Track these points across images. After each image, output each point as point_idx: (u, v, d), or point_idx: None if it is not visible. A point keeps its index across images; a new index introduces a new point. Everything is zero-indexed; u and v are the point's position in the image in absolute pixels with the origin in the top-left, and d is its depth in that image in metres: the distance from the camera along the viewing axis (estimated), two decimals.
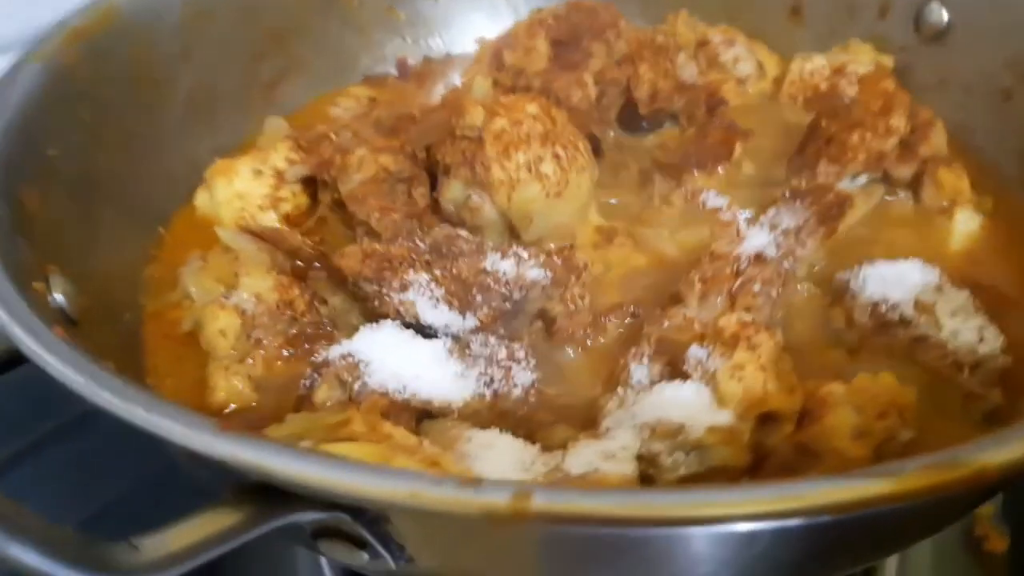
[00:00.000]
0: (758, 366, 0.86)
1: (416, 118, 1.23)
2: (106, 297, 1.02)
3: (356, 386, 0.90)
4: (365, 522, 0.66)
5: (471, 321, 0.97)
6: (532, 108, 1.12)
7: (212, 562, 0.60)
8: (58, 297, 0.91)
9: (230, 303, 1.00)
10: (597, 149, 1.25)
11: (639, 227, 1.18)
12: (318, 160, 1.17)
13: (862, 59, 1.42)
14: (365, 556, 0.70)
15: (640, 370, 0.94)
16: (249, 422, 0.90)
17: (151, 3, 1.23)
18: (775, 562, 0.75)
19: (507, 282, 0.99)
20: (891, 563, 1.13)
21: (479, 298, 0.98)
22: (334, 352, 0.93)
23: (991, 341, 0.98)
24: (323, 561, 1.10)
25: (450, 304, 0.97)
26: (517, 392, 0.93)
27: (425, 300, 0.97)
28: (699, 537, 0.68)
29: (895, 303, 1.01)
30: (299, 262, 1.06)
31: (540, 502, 0.56)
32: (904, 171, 1.19)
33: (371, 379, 0.90)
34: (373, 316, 0.99)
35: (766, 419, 0.87)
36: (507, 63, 1.29)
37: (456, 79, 1.50)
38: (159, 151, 1.23)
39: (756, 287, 1.00)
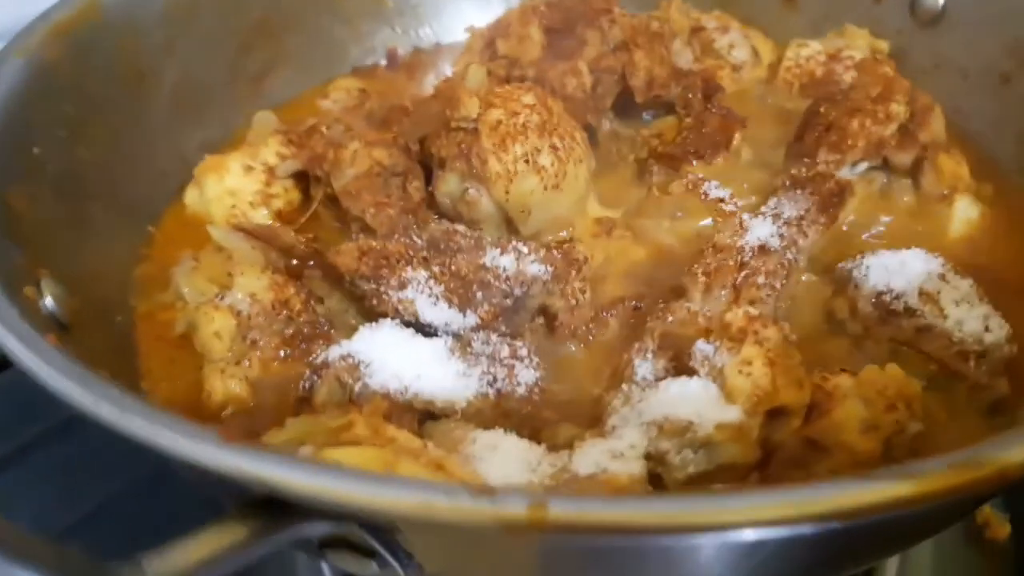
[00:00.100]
0: (766, 361, 0.85)
1: (408, 110, 1.21)
2: (97, 299, 1.00)
3: (357, 387, 0.89)
4: (374, 532, 0.64)
5: (471, 319, 0.95)
6: (528, 98, 1.10)
7: None
8: (48, 301, 0.88)
9: (225, 304, 0.98)
10: (593, 139, 1.23)
11: (637, 218, 1.16)
12: (310, 155, 1.15)
13: (857, 44, 1.41)
14: (373, 565, 0.69)
15: (644, 366, 0.93)
16: (248, 426, 0.89)
17: None
18: (780, 567, 0.74)
19: (507, 278, 0.97)
20: (892, 558, 1.12)
21: (479, 295, 0.96)
22: (333, 353, 0.91)
23: (996, 330, 0.97)
24: (323, 565, 1.08)
25: (450, 301, 0.96)
26: (521, 391, 0.91)
27: (424, 298, 0.95)
28: (709, 542, 0.67)
29: (899, 292, 1.00)
30: (293, 260, 1.04)
31: (556, 511, 0.55)
32: (904, 158, 1.18)
33: (372, 380, 0.88)
34: (371, 315, 0.97)
35: (774, 414, 0.86)
36: (500, 52, 1.27)
37: (447, 69, 1.48)
38: (146, 146, 1.21)
39: (760, 279, 0.98)
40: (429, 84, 1.44)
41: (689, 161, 1.19)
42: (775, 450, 0.86)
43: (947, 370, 0.97)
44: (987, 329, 0.97)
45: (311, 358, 0.97)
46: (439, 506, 0.55)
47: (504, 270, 0.98)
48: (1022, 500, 1.18)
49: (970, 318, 0.98)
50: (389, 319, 0.95)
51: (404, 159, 1.13)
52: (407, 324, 0.95)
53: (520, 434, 0.86)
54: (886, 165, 1.20)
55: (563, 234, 1.12)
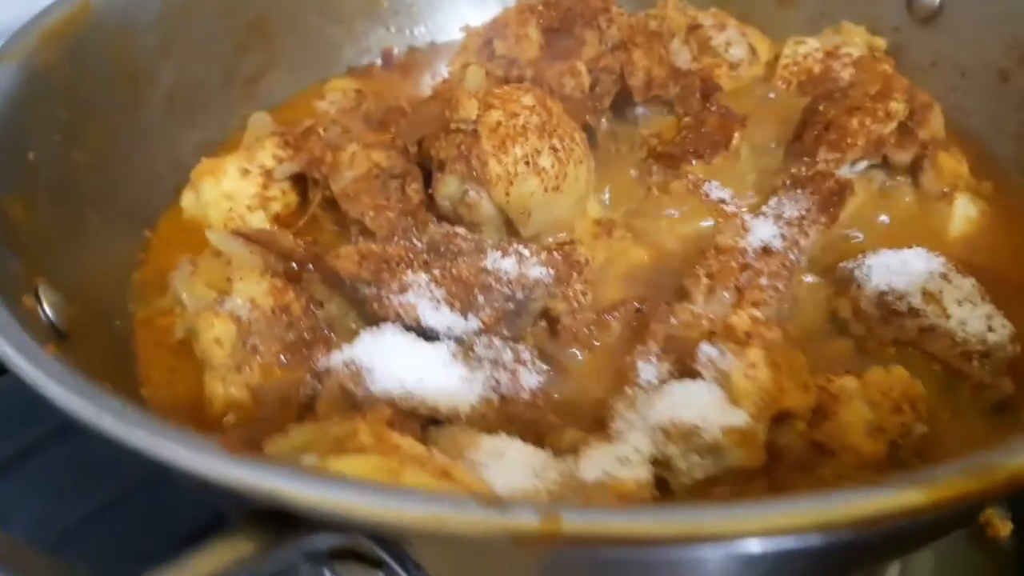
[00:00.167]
0: (772, 364, 0.84)
1: (406, 111, 1.20)
2: (95, 306, 0.99)
3: (359, 394, 0.88)
4: (382, 543, 0.64)
5: (474, 323, 0.95)
6: (527, 99, 1.09)
7: None
8: (47, 310, 0.87)
9: (225, 310, 0.97)
10: (591, 139, 1.22)
11: (638, 219, 1.16)
12: (308, 157, 1.14)
13: (854, 41, 1.40)
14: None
15: (648, 369, 0.92)
16: (250, 434, 0.88)
17: None
18: (784, 574, 0.74)
19: (509, 281, 0.97)
20: None
21: (481, 299, 0.96)
22: (335, 359, 0.91)
23: (1000, 330, 0.97)
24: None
25: (452, 305, 0.95)
26: (525, 395, 0.91)
27: (426, 302, 0.94)
28: (719, 552, 0.66)
29: (902, 293, 1.00)
30: (293, 264, 1.03)
31: (570, 523, 0.54)
32: (903, 156, 1.18)
33: (374, 386, 0.88)
34: (372, 319, 0.97)
35: (779, 417, 0.85)
36: (498, 53, 1.26)
37: (443, 68, 1.47)
38: (142, 150, 1.20)
39: (763, 281, 0.98)
40: (426, 84, 1.43)
41: (688, 160, 1.19)
42: (781, 453, 0.85)
43: (951, 370, 0.97)
44: (990, 329, 0.97)
45: (312, 363, 0.96)
46: (450, 518, 0.55)
47: (506, 273, 0.97)
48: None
49: (973, 318, 0.98)
50: (391, 324, 0.95)
51: (403, 161, 1.12)
52: (409, 329, 0.95)
53: (524, 439, 0.85)
54: (886, 163, 1.19)
55: (563, 236, 1.11)
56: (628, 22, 1.27)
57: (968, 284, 1.02)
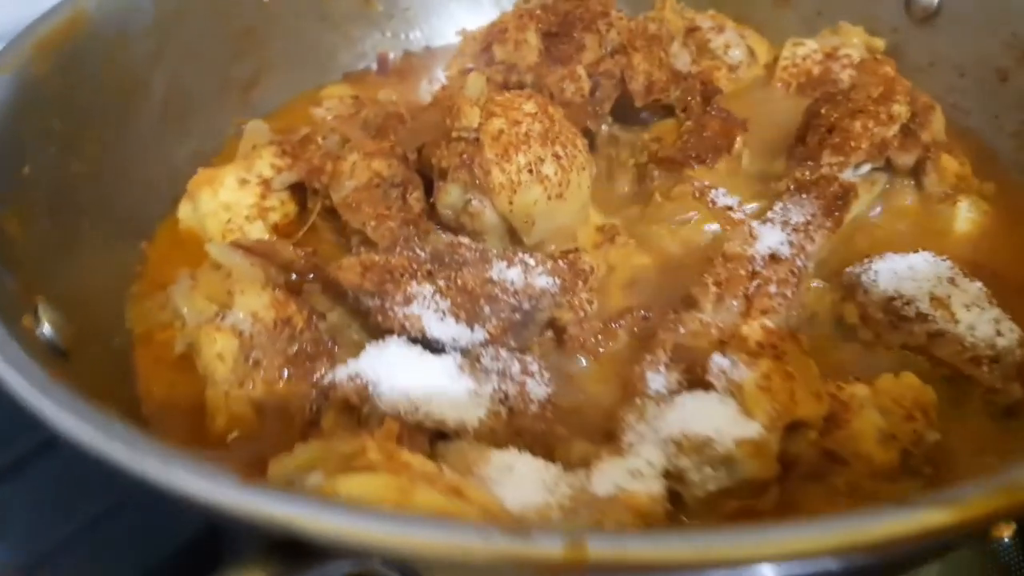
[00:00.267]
0: (785, 374, 0.84)
1: (404, 117, 1.19)
2: (93, 321, 0.98)
3: (365, 409, 0.87)
4: (399, 568, 0.62)
5: (480, 334, 0.93)
6: (529, 106, 1.08)
7: None
8: (46, 328, 0.86)
9: (226, 324, 0.96)
10: (591, 144, 1.22)
11: (641, 225, 1.15)
12: (307, 167, 1.13)
13: (852, 42, 1.40)
14: None
15: (657, 379, 0.91)
16: (255, 452, 0.87)
17: (121, 6, 1.17)
18: None
19: (515, 292, 0.96)
20: None
21: (487, 309, 0.94)
22: (340, 374, 0.89)
23: (1008, 334, 0.97)
24: None
25: (457, 316, 0.93)
26: (533, 408, 0.90)
27: (431, 313, 0.93)
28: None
29: (909, 298, 0.99)
30: (293, 275, 1.02)
31: (596, 549, 0.53)
32: (907, 158, 1.17)
33: (381, 401, 0.86)
34: (376, 331, 0.95)
35: (792, 426, 0.85)
36: (498, 58, 1.24)
37: (439, 73, 1.45)
38: (137, 160, 1.18)
39: (772, 288, 0.97)
40: (423, 89, 1.42)
41: (690, 165, 1.18)
42: (793, 463, 0.85)
43: (960, 375, 0.96)
44: (999, 333, 0.97)
45: (315, 377, 0.95)
46: (473, 547, 0.53)
47: (512, 283, 0.96)
48: None
49: (981, 322, 0.97)
50: (395, 336, 0.93)
51: (403, 169, 1.11)
52: (414, 341, 0.93)
53: (533, 452, 0.84)
54: (888, 166, 1.19)
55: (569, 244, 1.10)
56: (628, 26, 1.26)
57: (975, 288, 1.01)
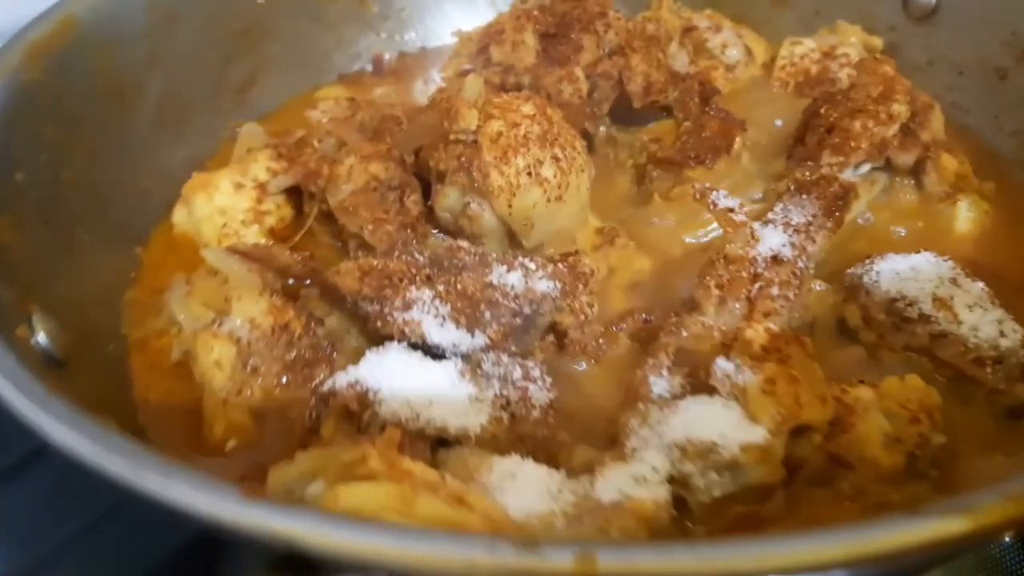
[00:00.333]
0: (789, 378, 0.83)
1: (401, 120, 1.17)
2: (88, 329, 0.96)
3: (366, 416, 0.85)
4: None
5: (480, 339, 0.92)
6: (528, 108, 1.07)
7: None
8: (41, 338, 0.84)
9: (223, 331, 0.95)
10: (590, 146, 1.21)
11: (640, 227, 1.14)
12: (304, 170, 1.12)
13: (851, 40, 1.39)
14: None
15: (660, 383, 0.90)
16: (254, 461, 0.86)
17: (113, 10, 1.16)
18: None
19: (516, 296, 0.94)
20: None
21: (488, 314, 0.93)
22: (340, 381, 0.88)
23: (1011, 335, 0.96)
24: None
25: (457, 322, 0.92)
26: (536, 413, 0.88)
27: (431, 318, 0.92)
28: None
29: (912, 299, 0.99)
30: (291, 280, 1.01)
31: (606, 563, 0.52)
32: (906, 158, 1.17)
33: (381, 408, 0.85)
34: (374, 336, 0.94)
35: (797, 430, 0.84)
36: (495, 59, 1.23)
37: (434, 74, 1.44)
38: (131, 165, 1.17)
39: (774, 291, 0.96)
40: (418, 90, 1.41)
41: (689, 165, 1.17)
42: (798, 467, 0.84)
43: (964, 377, 0.96)
44: (1002, 334, 0.96)
45: (314, 383, 0.94)
46: (481, 561, 0.53)
47: (512, 288, 0.95)
48: None
49: (984, 323, 0.97)
50: (395, 342, 0.92)
51: (400, 172, 1.10)
52: (414, 347, 0.92)
53: (536, 459, 0.83)
54: (888, 166, 1.18)
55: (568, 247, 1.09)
56: (625, 26, 1.26)
57: (977, 288, 1.00)
